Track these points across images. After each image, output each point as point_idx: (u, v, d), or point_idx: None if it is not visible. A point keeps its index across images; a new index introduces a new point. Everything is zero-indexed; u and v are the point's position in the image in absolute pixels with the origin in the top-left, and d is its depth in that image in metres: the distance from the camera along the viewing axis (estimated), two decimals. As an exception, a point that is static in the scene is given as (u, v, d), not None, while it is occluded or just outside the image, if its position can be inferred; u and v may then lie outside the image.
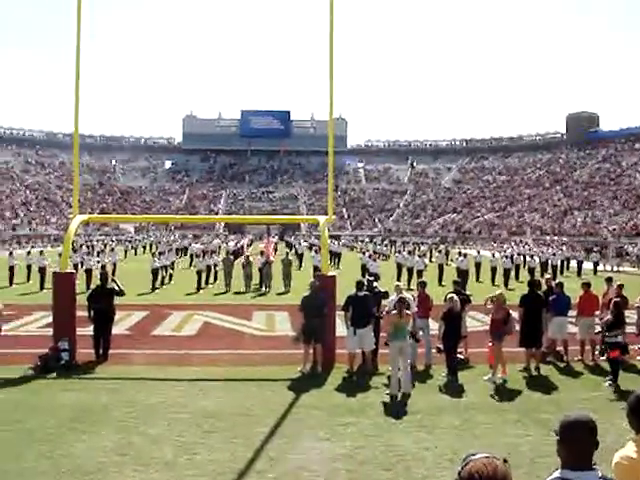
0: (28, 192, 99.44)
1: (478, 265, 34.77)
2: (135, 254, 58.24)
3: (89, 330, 14.90)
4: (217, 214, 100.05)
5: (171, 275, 32.31)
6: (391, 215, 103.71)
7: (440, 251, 40.24)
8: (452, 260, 36.34)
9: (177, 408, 10.86)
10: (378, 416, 10.48)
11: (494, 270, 33.13)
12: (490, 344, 13.35)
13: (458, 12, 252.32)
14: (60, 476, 7.98)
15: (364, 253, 38.28)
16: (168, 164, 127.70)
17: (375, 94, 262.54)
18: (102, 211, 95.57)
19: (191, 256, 42.42)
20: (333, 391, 12.12)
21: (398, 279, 28.54)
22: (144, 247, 63.98)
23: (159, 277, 29.99)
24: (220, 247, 52.27)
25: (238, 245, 52.33)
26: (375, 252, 43.29)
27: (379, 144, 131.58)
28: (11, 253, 34.07)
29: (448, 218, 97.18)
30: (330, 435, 9.49)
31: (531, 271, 33.83)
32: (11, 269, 31.37)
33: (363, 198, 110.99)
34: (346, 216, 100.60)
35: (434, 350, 14.19)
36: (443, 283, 29.72)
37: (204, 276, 30.59)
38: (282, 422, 10.15)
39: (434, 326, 14.51)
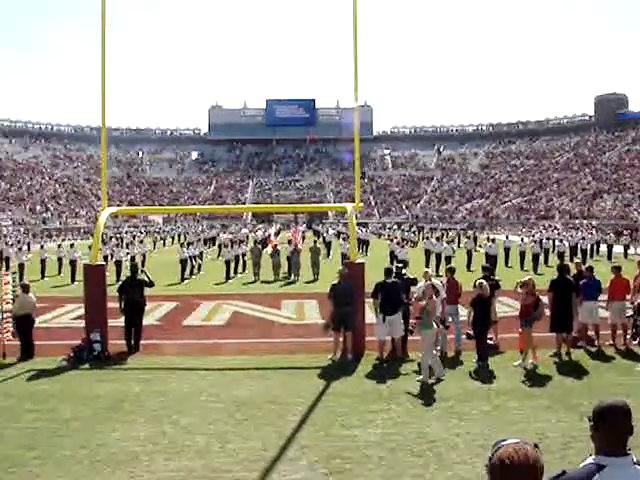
0: (57, 186, 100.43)
1: (507, 250, 34.55)
2: (164, 245, 58.58)
3: (120, 321, 15.05)
4: (244, 204, 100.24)
5: (200, 265, 32.48)
6: (418, 201, 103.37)
7: (468, 237, 40.03)
8: (480, 246, 36.23)
9: (208, 397, 10.95)
10: (409, 403, 10.48)
11: (523, 255, 32.92)
12: (520, 329, 13.28)
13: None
14: (95, 465, 8.10)
15: (392, 240, 38.21)
16: (195, 155, 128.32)
17: (400, 80, 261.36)
18: (130, 203, 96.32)
19: (219, 246, 42.57)
20: (363, 378, 12.14)
21: (426, 265, 28.45)
22: (172, 238, 64.36)
23: (188, 268, 30.17)
24: (248, 236, 52.42)
25: (266, 234, 52.45)
26: (403, 239, 43.17)
27: (405, 130, 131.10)
28: (42, 246, 34.51)
29: (476, 203, 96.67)
30: (361, 422, 9.51)
31: (560, 255, 33.52)
32: (42, 262, 31.76)
33: (390, 185, 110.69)
34: (373, 203, 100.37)
35: (464, 336, 14.16)
36: (472, 269, 29.59)
37: (233, 266, 30.72)
38: (313, 410, 10.19)
39: (463, 312, 14.46)
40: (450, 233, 51.36)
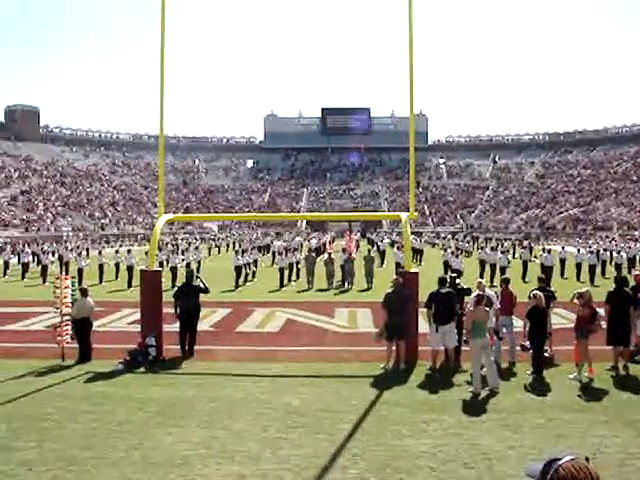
0: (115, 193, 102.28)
1: (563, 261, 34.00)
2: (218, 252, 59.12)
3: (175, 327, 15.26)
4: (299, 212, 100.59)
5: (254, 272, 32.68)
6: (473, 211, 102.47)
7: (524, 247, 39.45)
8: (536, 256, 35.71)
9: (261, 403, 11.02)
10: (461, 413, 10.40)
11: (579, 266, 32.35)
12: (576, 342, 13.06)
13: (538, 4, 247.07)
14: (149, 467, 8.23)
15: (446, 250, 37.93)
16: (250, 163, 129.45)
17: (456, 89, 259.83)
18: (186, 210, 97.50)
19: (273, 254, 42.79)
20: (416, 388, 12.08)
21: (481, 276, 28.17)
22: (227, 245, 64.88)
23: (242, 275, 30.39)
24: (302, 244, 52.60)
25: (320, 242, 52.56)
26: (457, 248, 42.83)
27: (460, 139, 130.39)
28: (100, 252, 35.15)
29: (532, 213, 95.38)
30: (413, 432, 9.48)
31: (618, 267, 32.86)
32: (101, 267, 32.36)
33: (445, 194, 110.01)
34: (428, 212, 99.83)
35: (518, 348, 13.98)
36: (527, 280, 29.19)
37: (286, 273, 30.83)
38: (365, 419, 10.18)
39: (518, 323, 14.30)
40: (505, 243, 50.61)
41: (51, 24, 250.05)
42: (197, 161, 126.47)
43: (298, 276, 32.23)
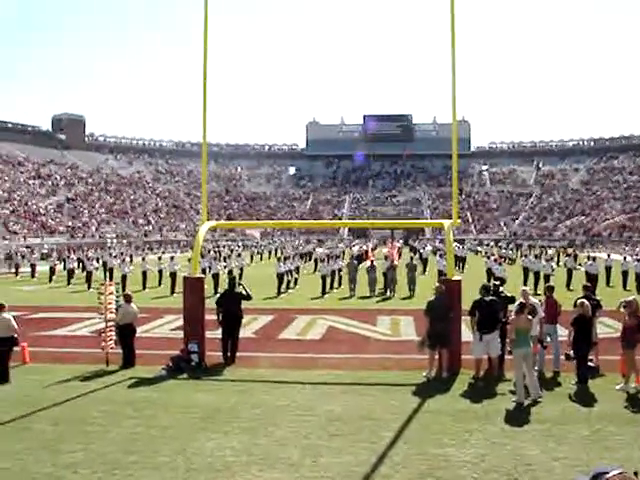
0: (159, 200, 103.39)
1: (609, 269, 33.50)
2: (261, 259, 59.40)
3: (218, 333, 15.33)
4: (341, 219, 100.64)
5: (296, 280, 32.75)
6: (517, 218, 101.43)
7: (568, 255, 38.94)
8: (581, 264, 35.15)
9: (302, 411, 11.02)
10: (504, 423, 10.27)
11: (625, 274, 31.80)
12: (622, 352, 12.83)
13: (579, 8, 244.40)
14: (191, 472, 8.29)
15: (489, 257, 37.61)
16: (292, 170, 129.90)
17: (499, 95, 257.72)
18: (229, 217, 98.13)
19: (315, 261, 42.86)
20: (458, 397, 11.98)
21: (524, 284, 27.86)
22: (269, 252, 65.14)
23: (284, 282, 30.47)
24: (344, 252, 52.59)
25: (362, 249, 52.48)
26: (501, 256, 42.48)
27: (503, 146, 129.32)
28: (144, 258, 35.60)
29: (576, 220, 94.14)
30: (455, 441, 9.39)
31: (666, 275, 32.24)
32: (144, 274, 32.72)
33: (488, 201, 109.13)
34: (471, 220, 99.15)
35: (563, 357, 13.78)
36: (571, 288, 28.83)
37: (329, 281, 30.84)
38: (407, 427, 10.13)
39: (562, 332, 14.11)
40: (549, 251, 50.00)
41: (96, 37, 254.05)
42: (239, 168, 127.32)
43: (340, 283, 32.21)
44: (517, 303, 12.89)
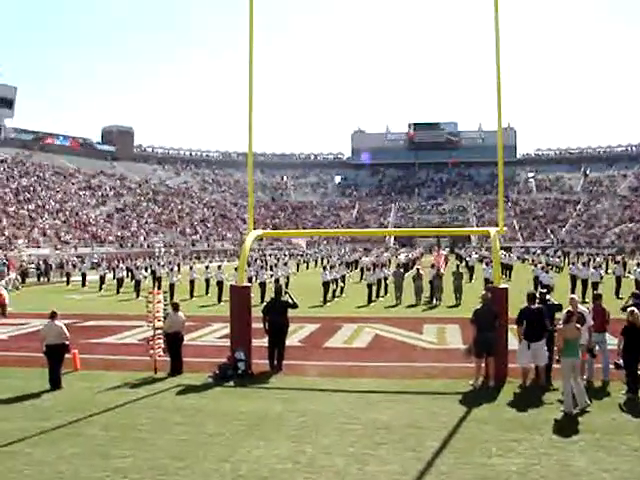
0: (206, 209, 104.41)
1: (659, 277, 32.85)
2: (307, 268, 59.56)
3: (264, 341, 15.42)
4: (387, 227, 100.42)
5: (342, 288, 32.76)
6: (564, 225, 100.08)
7: (617, 262, 38.32)
8: (630, 272, 34.63)
9: (348, 419, 11.03)
10: (552, 433, 10.15)
11: (677, 282, 31.18)
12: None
13: (623, 14, 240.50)
14: (237, 479, 8.36)
15: (536, 265, 37.22)
16: (338, 179, 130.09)
17: (545, 101, 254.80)
18: (275, 226, 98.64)
19: (362, 269, 42.84)
20: (505, 406, 11.88)
21: (572, 291, 27.51)
22: (315, 261, 65.33)
23: (330, 290, 30.51)
24: (390, 260, 52.48)
25: (408, 258, 52.33)
26: (548, 264, 42.00)
27: (550, 152, 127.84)
28: (191, 267, 35.98)
29: (625, 227, 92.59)
30: (502, 451, 9.32)
31: None
32: (191, 282, 33.08)
33: (534, 209, 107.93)
34: (517, 227, 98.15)
35: (612, 366, 13.57)
36: (621, 296, 28.36)
37: (375, 289, 30.80)
38: (453, 436, 10.07)
39: (611, 341, 13.91)
40: (597, 258, 49.17)
41: (145, 51, 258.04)
42: (285, 178, 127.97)
43: (386, 292, 32.15)
44: (565, 311, 12.75)
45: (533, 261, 50.52)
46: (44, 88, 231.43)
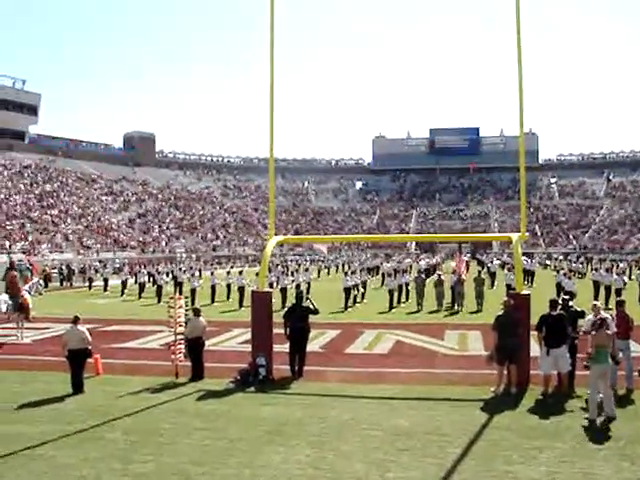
0: (227, 215, 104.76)
1: (684, 283, 32.50)
2: (328, 273, 59.57)
3: (285, 347, 15.43)
4: (408, 233, 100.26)
5: (363, 294, 32.72)
6: (587, 231, 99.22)
7: (641, 268, 38.05)
8: (654, 278, 34.26)
9: (369, 425, 11.02)
10: (575, 441, 10.06)
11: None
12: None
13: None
14: (259, 485, 8.38)
15: (559, 271, 37.01)
16: (359, 185, 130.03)
17: (567, 105, 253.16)
18: (296, 232, 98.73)
19: (383, 275, 42.76)
20: (527, 413, 11.81)
21: (595, 298, 27.29)
22: (336, 267, 65.29)
23: (352, 296, 30.48)
24: (411, 266, 52.38)
25: (430, 264, 52.20)
26: (570, 270, 41.72)
27: (572, 158, 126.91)
28: (212, 273, 36.05)
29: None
30: (524, 458, 9.25)
31: None
32: (213, 288, 33.17)
33: (557, 214, 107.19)
34: (539, 233, 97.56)
35: (636, 373, 13.46)
36: (644, 302, 28.10)
37: (396, 295, 30.75)
38: (475, 443, 10.02)
39: (635, 348, 13.78)
40: (621, 264, 48.66)
41: (164, 58, 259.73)
42: (307, 183, 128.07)
43: (407, 298, 32.08)
44: (597, 318, 12.64)
45: (555, 267, 50.23)
46: (67, 95, 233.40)
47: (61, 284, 48.47)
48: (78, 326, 14.01)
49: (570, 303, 14.58)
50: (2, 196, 74.19)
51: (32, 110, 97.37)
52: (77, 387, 13.67)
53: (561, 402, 12.48)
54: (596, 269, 36.30)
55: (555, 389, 13.27)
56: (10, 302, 21.33)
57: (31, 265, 43.88)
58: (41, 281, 42.59)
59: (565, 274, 32.68)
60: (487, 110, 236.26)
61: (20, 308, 21.72)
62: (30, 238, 65.91)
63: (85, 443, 10.20)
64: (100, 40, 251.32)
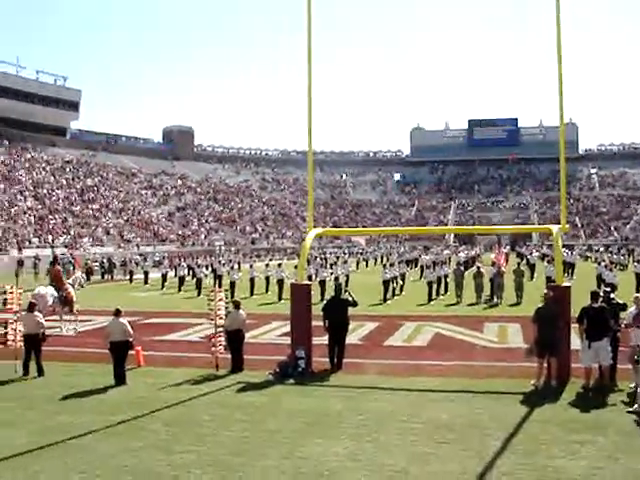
0: (266, 208, 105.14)
1: None
2: (366, 266, 59.50)
3: (324, 339, 15.48)
4: (446, 225, 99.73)
5: (402, 286, 32.66)
6: (628, 222, 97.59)
7: (684, 260, 37.35)
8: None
9: (408, 417, 11.02)
10: (617, 435, 9.93)
11: None
12: None
13: None
14: (298, 477, 8.45)
15: (599, 263, 36.55)
16: (397, 177, 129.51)
17: (607, 95, 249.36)
18: (334, 224, 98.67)
19: (421, 267, 42.59)
20: (568, 406, 11.70)
21: (637, 290, 26.94)
22: (375, 259, 65.22)
23: (390, 288, 30.44)
24: (450, 258, 52.11)
25: (469, 256, 51.88)
26: (611, 262, 41.16)
27: (613, 148, 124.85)
28: (251, 265, 36.23)
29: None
30: (565, 453, 9.18)
31: None
32: (252, 280, 33.34)
33: (597, 205, 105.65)
34: (579, 225, 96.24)
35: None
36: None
37: (435, 287, 30.66)
38: (514, 436, 9.97)
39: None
40: (664, 256, 48.03)
41: (203, 53, 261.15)
42: (345, 176, 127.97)
43: (446, 290, 31.96)
44: (634, 310, 12.50)
45: (596, 259, 49.61)
46: (108, 90, 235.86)
47: (102, 277, 49.10)
48: (120, 318, 14.21)
49: (611, 295, 14.42)
50: (45, 191, 75.36)
51: (73, 106, 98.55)
52: (119, 379, 13.87)
53: (602, 396, 12.34)
54: (638, 261, 35.82)
55: (596, 382, 13.11)
56: (56, 295, 21.71)
57: (73, 259, 44.60)
58: (83, 274, 43.18)
59: (606, 266, 32.28)
60: (526, 101, 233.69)
61: (65, 301, 22.11)
62: (72, 232, 66.85)
63: (127, 433, 10.37)
64: (140, 37, 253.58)
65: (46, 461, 9.17)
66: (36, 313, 15.19)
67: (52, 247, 56.35)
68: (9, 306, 15.77)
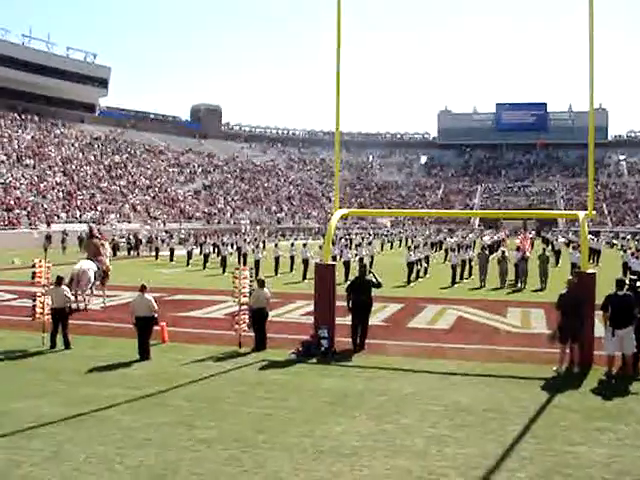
0: (291, 187, 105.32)
1: None
2: (391, 248, 59.48)
3: (347, 320, 15.55)
4: (472, 208, 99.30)
5: (426, 269, 32.61)
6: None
7: None
8: None
9: (429, 400, 11.06)
10: (639, 424, 9.92)
11: None
12: None
13: None
14: (318, 454, 8.51)
15: (625, 251, 36.23)
16: (424, 159, 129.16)
17: (638, 80, 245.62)
18: (360, 205, 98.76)
19: (446, 250, 42.51)
20: (589, 393, 11.67)
21: (664, 279, 26.66)
22: (400, 241, 65.15)
23: (414, 270, 30.43)
24: (475, 242, 51.94)
25: (493, 240, 51.66)
26: (638, 249, 40.73)
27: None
28: (276, 245, 36.36)
29: None
30: (585, 439, 9.17)
31: None
32: (276, 259, 33.48)
33: (625, 192, 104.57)
34: (606, 211, 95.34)
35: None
36: None
37: (459, 270, 30.61)
38: (535, 422, 9.98)
39: None
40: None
41: (230, 29, 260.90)
42: (371, 157, 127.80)
43: (470, 273, 31.89)
44: None
45: (622, 246, 49.17)
46: (137, 68, 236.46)
47: (129, 253, 49.51)
48: (145, 294, 14.35)
49: (638, 283, 14.31)
50: (73, 167, 75.97)
51: (102, 83, 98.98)
52: (144, 353, 14.03)
53: (625, 384, 12.29)
54: (665, 249, 35.44)
55: (619, 370, 13.05)
56: (96, 270, 21.70)
57: (100, 234, 44.93)
58: (110, 250, 43.51)
59: (632, 254, 31.98)
60: (555, 85, 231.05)
61: (103, 275, 22.30)
62: (99, 208, 67.39)
63: (150, 408, 10.51)
64: (171, 16, 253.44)
65: (71, 431, 9.33)
66: (64, 287, 15.40)
67: (80, 222, 56.82)
68: (38, 280, 15.95)
